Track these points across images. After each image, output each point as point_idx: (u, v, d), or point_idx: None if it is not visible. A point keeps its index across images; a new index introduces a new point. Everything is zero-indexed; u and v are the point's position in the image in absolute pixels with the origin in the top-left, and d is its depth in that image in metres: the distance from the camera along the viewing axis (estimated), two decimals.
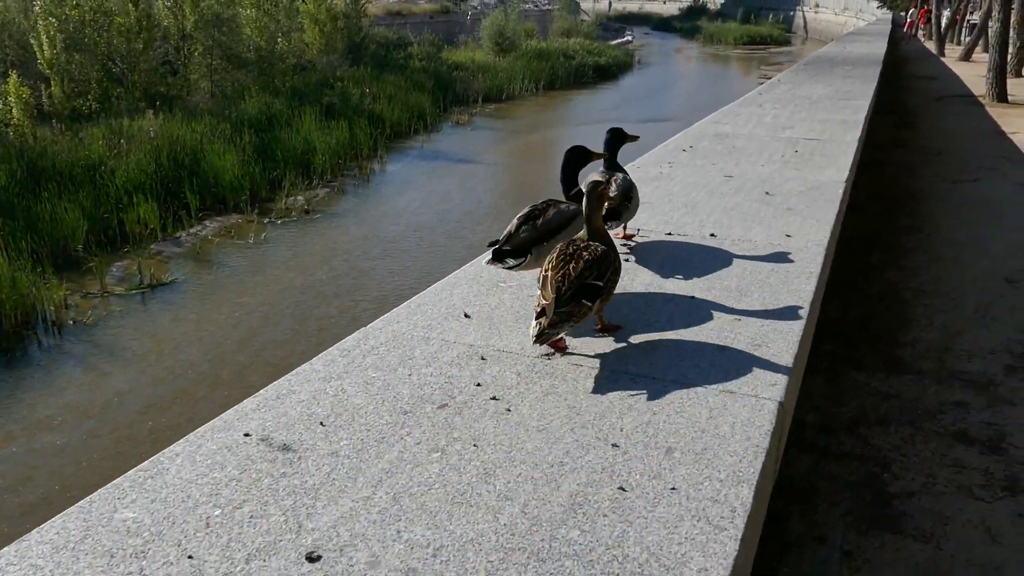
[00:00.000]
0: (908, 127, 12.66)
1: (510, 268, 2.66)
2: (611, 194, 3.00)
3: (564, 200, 2.92)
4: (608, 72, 45.66)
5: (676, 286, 3.08)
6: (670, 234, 3.82)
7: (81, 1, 23.43)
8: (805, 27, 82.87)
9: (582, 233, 2.50)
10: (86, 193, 15.85)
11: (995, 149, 11.00)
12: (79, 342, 11.52)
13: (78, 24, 23.32)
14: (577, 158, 2.91)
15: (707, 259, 3.38)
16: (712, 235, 3.79)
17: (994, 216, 7.76)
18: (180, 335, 11.72)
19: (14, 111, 18.89)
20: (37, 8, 21.79)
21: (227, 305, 12.75)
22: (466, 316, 2.83)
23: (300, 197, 18.52)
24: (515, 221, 2.73)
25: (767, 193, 4.49)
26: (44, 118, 20.72)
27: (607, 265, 2.40)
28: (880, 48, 15.34)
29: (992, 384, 4.48)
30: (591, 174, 2.90)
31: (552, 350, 2.50)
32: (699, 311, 2.85)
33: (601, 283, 2.36)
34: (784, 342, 2.58)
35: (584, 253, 2.36)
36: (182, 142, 19.10)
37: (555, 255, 2.39)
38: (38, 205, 14.92)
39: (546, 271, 2.37)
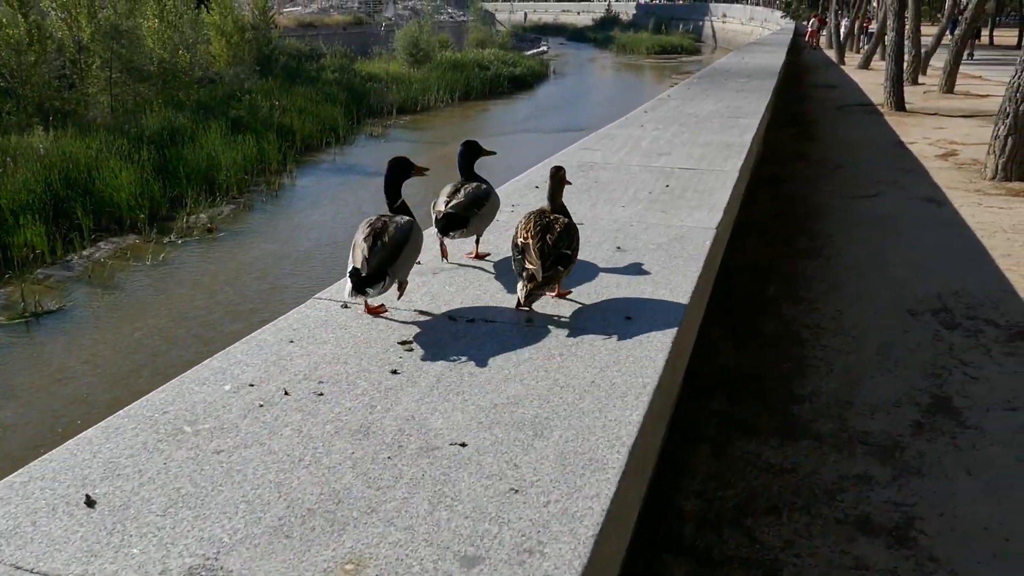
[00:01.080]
0: (809, 138, 12.33)
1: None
2: (458, 200, 3.07)
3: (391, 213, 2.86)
4: (523, 82, 45.75)
5: None
6: (472, 320, 2.81)
7: None
8: (714, 36, 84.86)
9: (545, 205, 2.88)
10: None
11: (894, 160, 10.69)
12: None
13: None
14: (399, 170, 2.84)
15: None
16: (528, 321, 2.77)
17: (894, 234, 7.33)
18: (71, 365, 11.02)
19: None
20: None
21: (123, 330, 12.07)
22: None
23: (203, 215, 17.81)
24: (363, 244, 2.63)
25: (619, 248, 3.56)
26: None
27: (573, 236, 2.77)
28: (779, 59, 15.10)
29: (898, 447, 3.98)
30: (445, 187, 3.20)
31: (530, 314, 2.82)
32: None
33: (570, 252, 2.74)
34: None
35: (556, 225, 2.71)
36: (75, 159, 18.18)
37: (531, 224, 2.72)
38: None
39: (525, 240, 2.68)
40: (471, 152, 3.35)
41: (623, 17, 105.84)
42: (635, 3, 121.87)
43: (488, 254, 3.49)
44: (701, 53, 69.03)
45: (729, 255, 5.66)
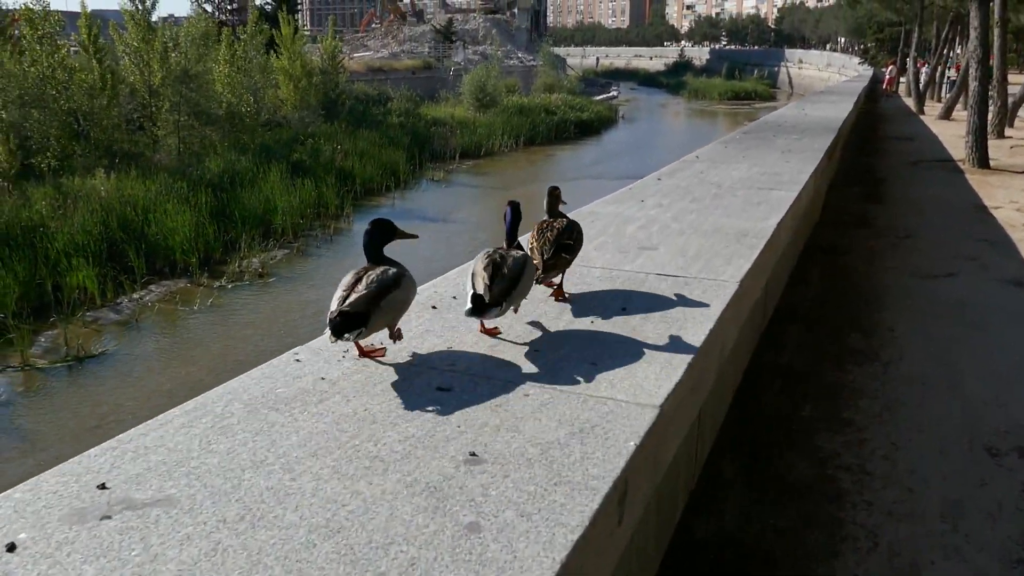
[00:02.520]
0: (876, 199, 10.91)
1: (495, 317, 2.75)
2: (361, 290, 2.55)
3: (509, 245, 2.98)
4: (590, 127, 45.44)
5: None
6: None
7: (40, 58, 22.84)
8: (790, 83, 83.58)
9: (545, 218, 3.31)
10: (23, 257, 14.98)
11: (976, 230, 8.91)
12: None
13: (37, 81, 22.71)
14: (381, 233, 2.73)
15: None
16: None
17: (973, 331, 5.65)
18: (101, 414, 10.78)
19: None
20: None
21: (161, 379, 11.84)
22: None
23: (256, 259, 17.68)
24: (485, 274, 2.72)
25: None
26: None
27: (574, 228, 3.25)
28: (843, 110, 13.65)
29: None
30: (346, 276, 2.66)
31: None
32: None
33: (572, 242, 3.20)
34: None
35: (555, 224, 3.22)
36: (133, 202, 18.33)
37: (535, 231, 3.22)
38: None
39: (531, 243, 3.17)
40: (382, 232, 2.76)
41: (696, 62, 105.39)
42: (708, 48, 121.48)
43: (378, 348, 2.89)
44: (776, 99, 67.85)
45: (761, 353, 4.98)
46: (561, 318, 2.97)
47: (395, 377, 2.42)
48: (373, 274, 2.53)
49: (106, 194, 18.67)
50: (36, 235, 15.92)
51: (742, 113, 57.67)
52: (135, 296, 15.38)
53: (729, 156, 7.48)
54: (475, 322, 2.83)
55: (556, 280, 3.30)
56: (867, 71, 50.89)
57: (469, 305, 2.64)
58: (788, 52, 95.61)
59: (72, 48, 26.48)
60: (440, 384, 2.37)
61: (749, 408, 4.23)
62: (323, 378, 2.42)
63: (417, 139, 33.37)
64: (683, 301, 3.14)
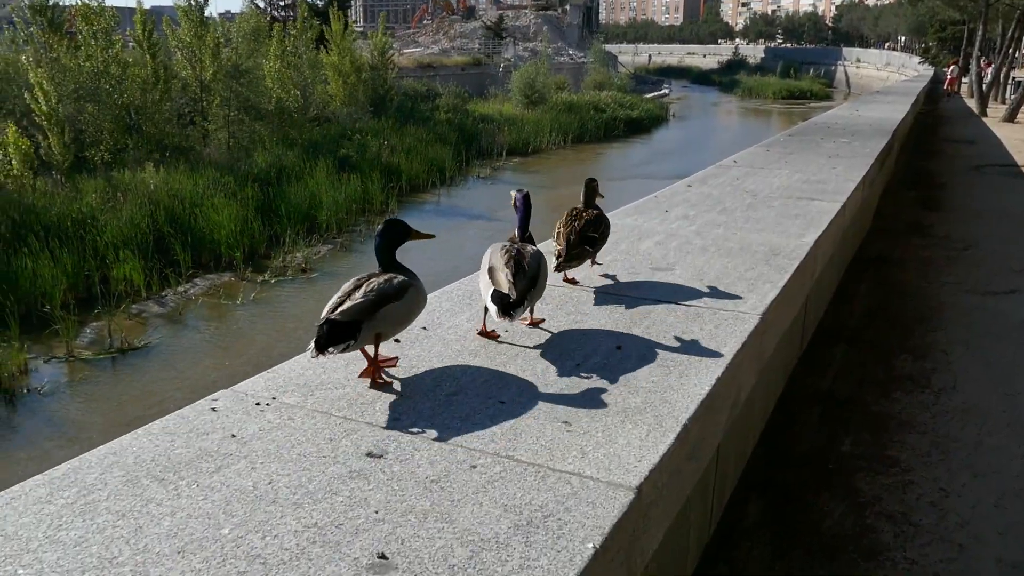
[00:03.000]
0: (933, 206, 10.05)
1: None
2: (358, 298, 2.33)
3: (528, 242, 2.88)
4: (640, 126, 44.95)
5: None
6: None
7: (95, 53, 23.22)
8: (847, 82, 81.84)
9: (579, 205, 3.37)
10: (72, 249, 15.20)
11: None
12: (28, 414, 10.70)
13: (92, 75, 23.08)
14: (395, 234, 2.56)
15: None
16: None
17: None
18: (141, 407, 10.84)
19: (14, 163, 18.52)
20: (25, 60, 21.45)
21: (198, 372, 11.88)
22: None
23: (300, 255, 17.73)
24: (508, 271, 2.60)
25: None
26: (48, 169, 20.32)
27: (601, 222, 3.31)
28: (899, 112, 12.82)
29: None
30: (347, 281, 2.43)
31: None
32: None
33: (597, 235, 3.26)
34: None
35: (584, 215, 3.25)
36: (181, 196, 18.51)
37: (564, 217, 3.24)
38: (18, 261, 14.27)
39: (558, 229, 3.21)
40: (396, 234, 2.54)
41: (750, 61, 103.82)
42: (763, 47, 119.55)
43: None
44: (832, 99, 66.43)
45: (799, 377, 4.53)
46: (539, 362, 2.47)
47: (321, 435, 2.00)
48: (375, 282, 2.37)
49: (155, 188, 18.88)
50: (86, 228, 16.14)
51: (797, 112, 56.58)
52: (180, 289, 15.50)
53: (770, 161, 6.95)
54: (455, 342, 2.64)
55: (572, 272, 3.36)
56: (927, 71, 49.54)
57: (493, 306, 2.51)
58: (846, 51, 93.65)
59: (128, 43, 26.89)
60: (372, 448, 1.94)
61: (781, 442, 3.78)
62: (234, 435, 2.01)
63: (464, 136, 33.30)
64: (691, 339, 2.61)
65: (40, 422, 10.44)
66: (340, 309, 2.25)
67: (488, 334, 2.74)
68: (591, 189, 3.43)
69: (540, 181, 29.72)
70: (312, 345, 2.25)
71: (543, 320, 2.86)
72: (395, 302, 2.34)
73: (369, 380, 2.38)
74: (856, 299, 6.17)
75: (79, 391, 11.35)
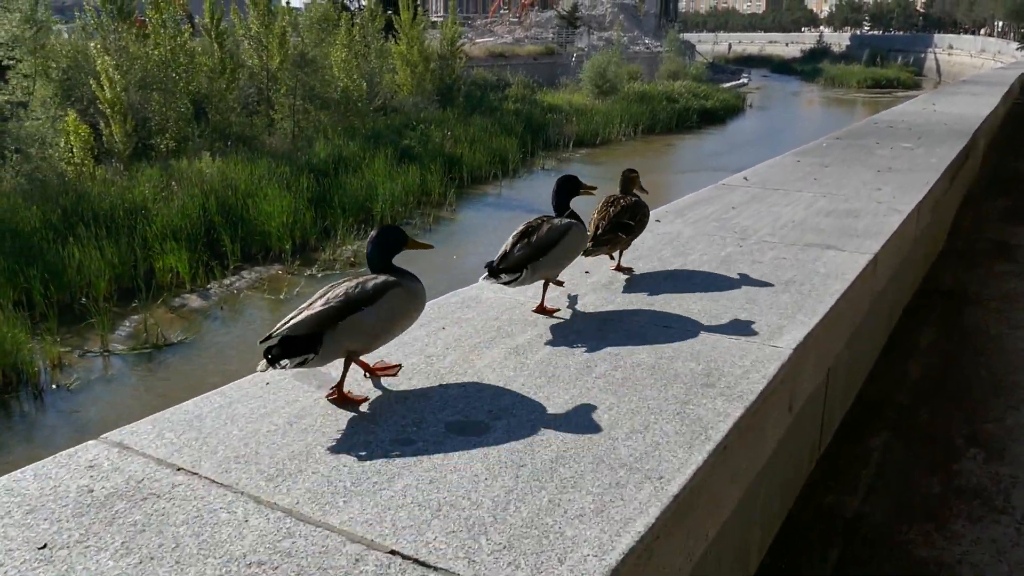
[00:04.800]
0: None
1: (506, 283, 2.64)
2: (317, 307, 2.17)
3: (557, 216, 2.89)
4: (715, 116, 43.45)
5: None
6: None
7: (163, 41, 23.25)
8: (938, 70, 78.18)
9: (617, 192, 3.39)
10: (121, 239, 15.04)
11: None
12: (53, 411, 10.46)
13: (159, 63, 23.12)
14: (567, 187, 2.93)
15: None
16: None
17: None
18: (164, 407, 10.47)
19: (74, 150, 18.57)
20: (93, 48, 21.53)
21: (228, 370, 11.46)
22: None
23: (350, 248, 17.28)
24: (510, 239, 2.70)
25: None
26: (111, 157, 20.37)
27: (638, 210, 3.30)
28: (986, 106, 10.71)
29: None
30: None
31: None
32: None
33: (632, 222, 3.26)
34: None
35: (622, 201, 3.28)
36: (235, 186, 18.27)
37: (600, 203, 3.27)
38: (65, 251, 14.15)
39: (592, 214, 3.23)
40: (389, 242, 2.38)
41: (834, 49, 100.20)
42: (849, 34, 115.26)
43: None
44: (921, 88, 63.38)
45: (814, 492, 3.16)
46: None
47: (205, 527, 1.55)
48: (343, 287, 2.16)
49: (210, 177, 18.69)
50: (136, 217, 15.99)
51: (883, 102, 54.04)
52: (225, 282, 15.21)
53: (793, 177, 5.36)
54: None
55: (614, 255, 3.39)
56: None
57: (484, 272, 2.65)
58: (937, 37, 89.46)
59: (197, 32, 26.93)
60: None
61: None
62: (91, 490, 1.68)
63: (531, 126, 32.54)
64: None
65: (60, 420, 10.18)
66: (293, 322, 2.02)
67: (545, 310, 2.88)
68: (628, 179, 3.42)
69: (607, 173, 28.76)
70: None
71: (557, 310, 2.94)
72: (365, 309, 2.10)
73: (336, 398, 2.18)
74: (913, 356, 4.58)
75: (107, 388, 11.07)
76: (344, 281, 2.21)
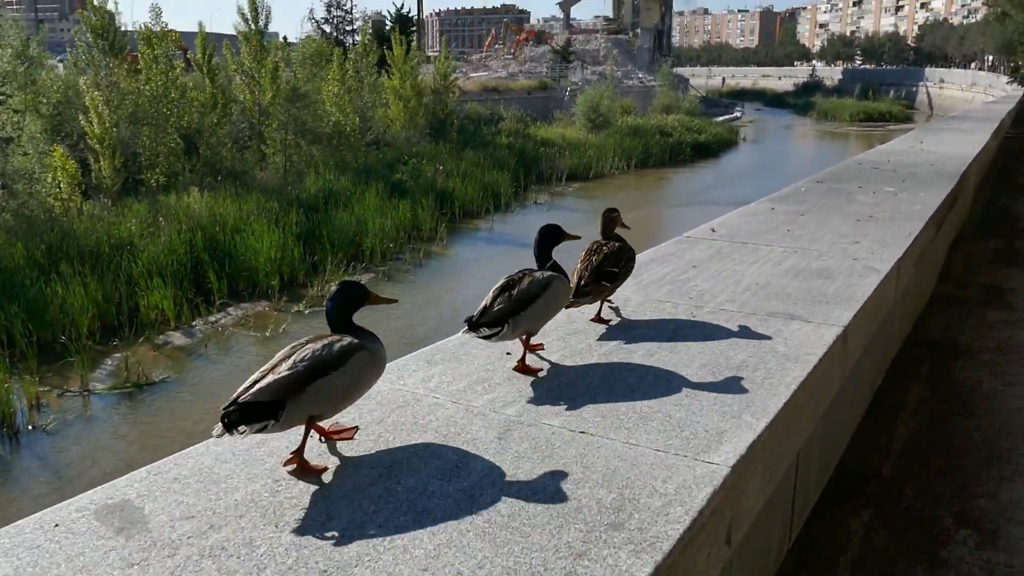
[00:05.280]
0: (1019, 262, 7.66)
1: (486, 338, 2.57)
2: (283, 371, 2.04)
3: (539, 268, 2.83)
4: (708, 150, 43.63)
5: None
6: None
7: (154, 76, 23.26)
8: (930, 103, 78.82)
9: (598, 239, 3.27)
10: (105, 275, 14.86)
11: None
12: (26, 454, 10.22)
13: (151, 99, 23.11)
14: (550, 236, 2.84)
15: None
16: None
17: None
18: (139, 450, 10.25)
19: (62, 185, 18.46)
20: (83, 83, 21.52)
21: (207, 411, 11.24)
22: None
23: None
24: (491, 293, 2.64)
25: None
26: (99, 192, 20.26)
27: (622, 255, 3.16)
28: (975, 144, 10.31)
29: None
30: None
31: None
32: None
33: (616, 269, 3.13)
34: None
35: (604, 248, 3.15)
36: (223, 221, 18.15)
37: (583, 252, 3.16)
38: (48, 288, 13.97)
39: (577, 264, 3.11)
40: (351, 297, 2.27)
41: (827, 82, 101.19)
42: (841, 68, 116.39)
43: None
44: (913, 121, 63.82)
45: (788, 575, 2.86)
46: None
47: None
48: (309, 349, 2.04)
49: (198, 212, 18.58)
50: (122, 253, 15.82)
51: (875, 135, 54.38)
52: (211, 319, 15.02)
53: (766, 228, 4.92)
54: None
55: (595, 306, 3.24)
56: (1016, 91, 46.97)
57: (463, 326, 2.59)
58: (928, 71, 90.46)
59: (189, 66, 26.97)
60: None
61: None
62: None
63: (524, 160, 32.58)
64: None
65: (34, 464, 9.94)
66: (256, 387, 1.90)
67: (524, 369, 2.72)
68: (609, 220, 3.31)
69: (600, 207, 28.43)
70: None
71: (540, 346, 2.88)
72: (332, 374, 2.01)
73: (295, 469, 2.03)
74: (899, 417, 4.15)
75: (84, 430, 10.83)
76: (308, 342, 2.09)
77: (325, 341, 2.09)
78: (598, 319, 3.25)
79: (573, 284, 2.98)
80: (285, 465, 2.03)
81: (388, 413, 2.40)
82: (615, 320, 3.25)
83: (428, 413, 2.38)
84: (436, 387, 2.58)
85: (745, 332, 3.05)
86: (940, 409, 4.30)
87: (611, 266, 3.11)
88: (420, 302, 16.89)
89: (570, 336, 3.06)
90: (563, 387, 2.56)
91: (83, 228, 16.92)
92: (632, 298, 3.54)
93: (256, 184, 23.23)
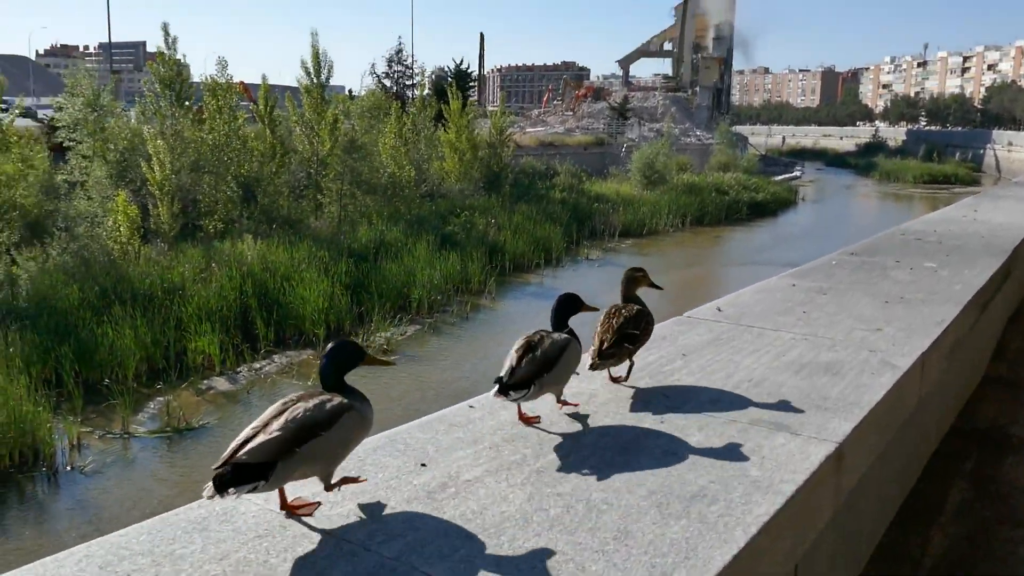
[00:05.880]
0: None
1: (515, 400, 2.63)
2: (274, 430, 2.03)
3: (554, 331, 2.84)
4: (765, 209, 43.13)
5: None
6: None
7: (218, 126, 23.94)
8: (997, 166, 77.10)
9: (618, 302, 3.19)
10: (156, 319, 15.09)
11: None
12: (62, 494, 10.26)
13: (213, 147, 23.75)
14: (568, 305, 2.88)
15: None
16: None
17: None
18: (173, 495, 10.21)
19: (122, 228, 18.94)
20: (147, 132, 22.20)
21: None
22: None
23: (383, 334, 17.11)
24: (514, 353, 2.65)
25: None
26: (158, 236, 20.74)
27: (642, 318, 3.11)
28: None
29: None
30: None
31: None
32: None
33: (637, 331, 3.08)
34: None
35: (623, 311, 3.09)
36: (274, 268, 18.37)
37: (603, 316, 3.11)
38: (99, 329, 14.21)
39: (596, 328, 3.08)
40: (344, 356, 2.23)
41: (890, 143, 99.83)
42: (905, 129, 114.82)
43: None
44: (980, 184, 62.42)
45: None
46: None
47: None
48: (300, 408, 2.03)
49: (251, 259, 18.85)
50: (174, 297, 16.07)
51: (940, 197, 53.27)
52: (255, 366, 15.09)
53: (779, 308, 4.37)
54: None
55: (616, 369, 3.21)
56: None
57: (495, 386, 2.60)
58: (995, 133, 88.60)
59: (252, 118, 27.71)
60: None
61: None
62: None
63: (577, 215, 32.59)
64: None
65: (68, 505, 9.98)
66: (248, 447, 1.91)
67: (527, 420, 2.77)
68: (630, 280, 3.24)
69: (652, 264, 28.46)
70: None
71: (576, 405, 2.86)
72: (323, 434, 2.00)
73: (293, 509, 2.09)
74: (936, 522, 3.62)
75: (120, 473, 10.86)
76: (300, 400, 2.07)
77: (316, 400, 2.07)
78: (613, 379, 3.22)
79: (595, 347, 2.99)
80: (284, 509, 2.09)
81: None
82: (624, 382, 3.14)
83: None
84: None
85: (715, 447, 2.50)
86: (983, 514, 3.78)
87: (633, 328, 3.08)
88: (462, 355, 16.78)
89: (513, 441, 2.59)
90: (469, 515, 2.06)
91: (138, 271, 17.27)
92: (599, 393, 3.04)
93: (309, 232, 23.59)
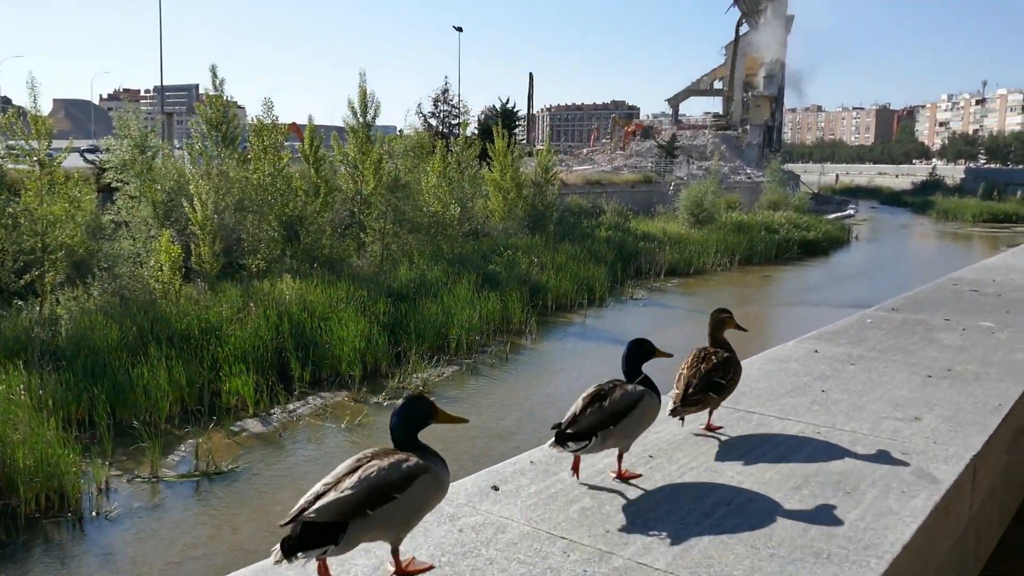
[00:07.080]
0: None
1: (573, 452, 2.47)
2: (346, 488, 1.92)
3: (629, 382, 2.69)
4: (817, 248, 42.17)
5: None
6: None
7: (262, 166, 24.10)
8: None
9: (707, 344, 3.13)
10: (191, 359, 14.98)
11: None
12: (88, 541, 10.03)
13: (257, 187, 23.89)
14: (640, 351, 2.71)
15: None
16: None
17: None
18: (194, 546, 9.94)
19: (164, 268, 19.01)
20: (189, 171, 22.41)
21: (272, 506, 10.90)
22: None
23: (420, 376, 16.79)
24: (580, 402, 2.54)
25: None
26: (199, 275, 20.81)
27: (730, 367, 3.01)
28: None
29: None
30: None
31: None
32: None
33: (724, 381, 2.98)
34: None
35: (713, 357, 2.99)
36: (311, 308, 18.23)
37: (690, 357, 3.03)
38: (134, 369, 14.13)
39: (681, 369, 3.00)
40: (416, 415, 2.22)
41: (948, 181, 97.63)
42: (963, 167, 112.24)
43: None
44: None
45: None
46: None
47: None
48: (375, 466, 2.01)
49: (289, 298, 18.75)
50: (210, 338, 15.98)
51: (1001, 237, 51.72)
52: (289, 407, 14.85)
53: (793, 384, 3.64)
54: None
55: (704, 414, 3.08)
56: None
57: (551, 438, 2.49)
58: None
59: (295, 155, 27.93)
60: None
61: None
62: None
63: (623, 254, 32.13)
64: None
65: (91, 553, 9.72)
66: (319, 504, 1.89)
67: (623, 476, 2.62)
68: (718, 322, 3.14)
69: (699, 304, 27.84)
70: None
71: (639, 475, 2.61)
72: (396, 497, 1.96)
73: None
74: None
75: (146, 519, 10.61)
76: (375, 458, 2.06)
77: (392, 460, 2.03)
78: (709, 428, 3.13)
79: (679, 391, 2.92)
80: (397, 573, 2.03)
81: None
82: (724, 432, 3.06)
83: None
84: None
85: None
86: None
87: (720, 377, 2.98)
88: (505, 397, 16.37)
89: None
90: None
91: (176, 311, 17.25)
92: (515, 519, 2.43)
93: (349, 271, 23.51)
